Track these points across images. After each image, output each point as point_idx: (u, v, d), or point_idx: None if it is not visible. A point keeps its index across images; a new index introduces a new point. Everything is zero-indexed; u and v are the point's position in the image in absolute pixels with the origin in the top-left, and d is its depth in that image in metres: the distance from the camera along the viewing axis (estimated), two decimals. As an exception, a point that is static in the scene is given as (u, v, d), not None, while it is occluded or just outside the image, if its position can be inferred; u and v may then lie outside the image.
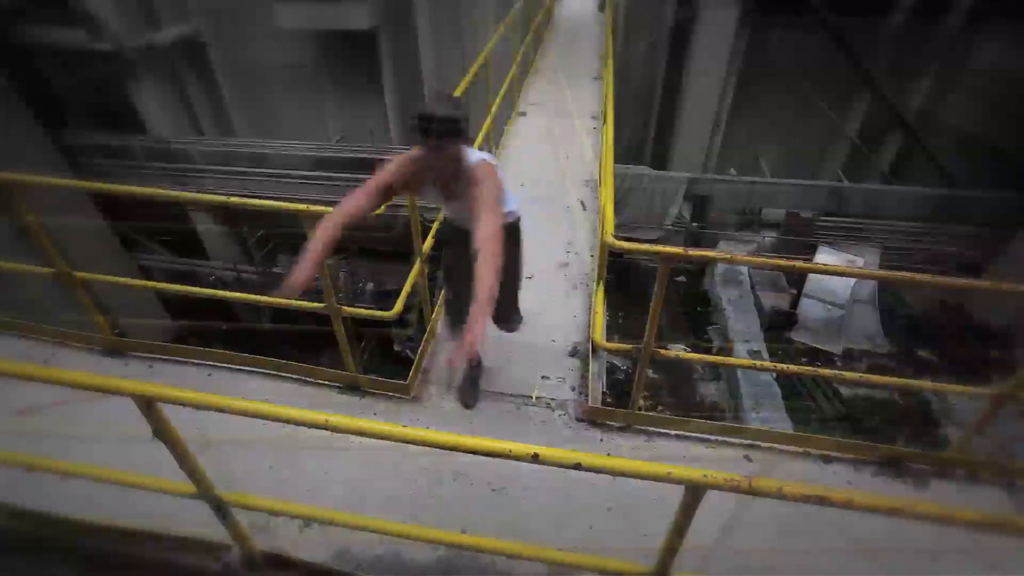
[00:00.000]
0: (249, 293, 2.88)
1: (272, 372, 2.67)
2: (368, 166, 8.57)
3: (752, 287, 8.19)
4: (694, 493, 1.26)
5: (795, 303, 8.14)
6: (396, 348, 8.24)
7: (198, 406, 1.35)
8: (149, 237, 10.51)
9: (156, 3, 8.85)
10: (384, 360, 8.68)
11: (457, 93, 3.37)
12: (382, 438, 1.29)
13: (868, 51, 7.99)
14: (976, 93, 8.31)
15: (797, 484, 1.21)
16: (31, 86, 8.99)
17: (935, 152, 8.47)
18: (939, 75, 8.24)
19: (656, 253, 1.88)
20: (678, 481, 1.22)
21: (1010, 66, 7.83)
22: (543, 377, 2.68)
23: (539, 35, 7.82)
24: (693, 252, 1.82)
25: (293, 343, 9.42)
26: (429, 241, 2.90)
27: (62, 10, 8.14)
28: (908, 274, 1.89)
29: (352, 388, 2.60)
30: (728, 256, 1.83)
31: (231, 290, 10.40)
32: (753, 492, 1.21)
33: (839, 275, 8.12)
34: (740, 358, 6.86)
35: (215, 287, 10.38)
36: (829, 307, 8.02)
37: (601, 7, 8.87)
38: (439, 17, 8.81)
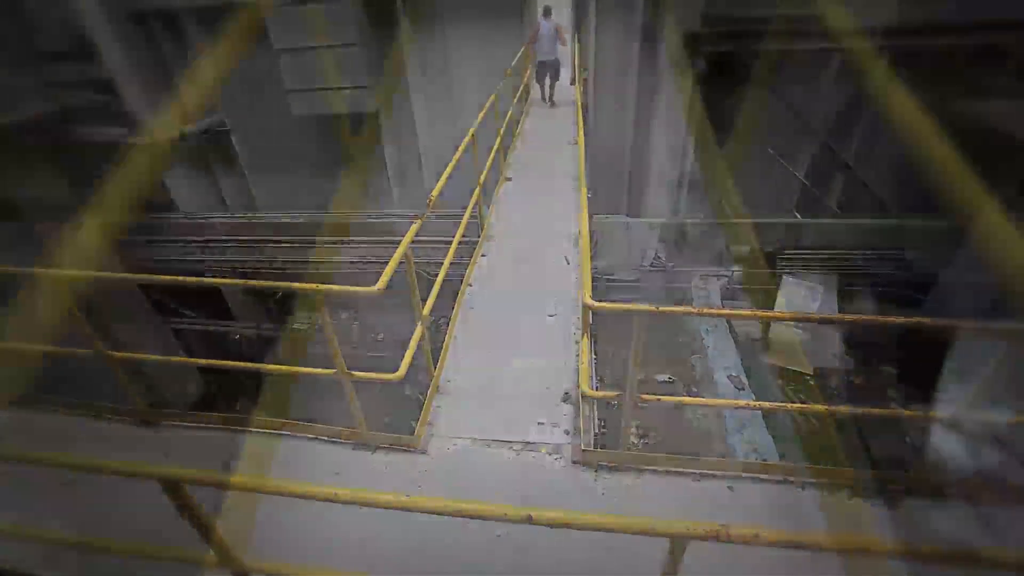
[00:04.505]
0: (270, 347, 2.89)
1: (289, 433, 2.63)
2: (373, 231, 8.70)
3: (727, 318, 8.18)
4: (677, 544, 1.23)
5: (766, 328, 8.14)
6: (407, 392, 8.11)
7: (219, 486, 1.33)
8: (180, 303, 10.51)
9: (186, 100, 9.14)
10: (397, 402, 8.55)
11: (450, 165, 3.50)
12: (387, 507, 1.27)
13: (806, 105, 8.30)
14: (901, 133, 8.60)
15: (772, 530, 1.19)
16: (81, 177, 9.21)
17: (874, 187, 8.68)
18: (869, 120, 8.53)
19: (631, 311, 1.90)
20: (662, 534, 1.20)
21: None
22: (539, 423, 2.64)
23: (520, 106, 8.21)
24: (664, 309, 1.84)
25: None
26: (430, 303, 2.92)
27: (105, 111, 8.44)
28: (850, 316, 1.91)
29: (364, 444, 2.56)
30: (695, 311, 1.85)
31: (255, 346, 10.12)
32: (732, 540, 1.18)
33: (794, 320, 8.16)
34: (721, 384, 6.80)
35: (240, 344, 10.34)
36: (796, 330, 8.02)
37: (572, 82, 9.23)
38: (432, 97, 9.14)
